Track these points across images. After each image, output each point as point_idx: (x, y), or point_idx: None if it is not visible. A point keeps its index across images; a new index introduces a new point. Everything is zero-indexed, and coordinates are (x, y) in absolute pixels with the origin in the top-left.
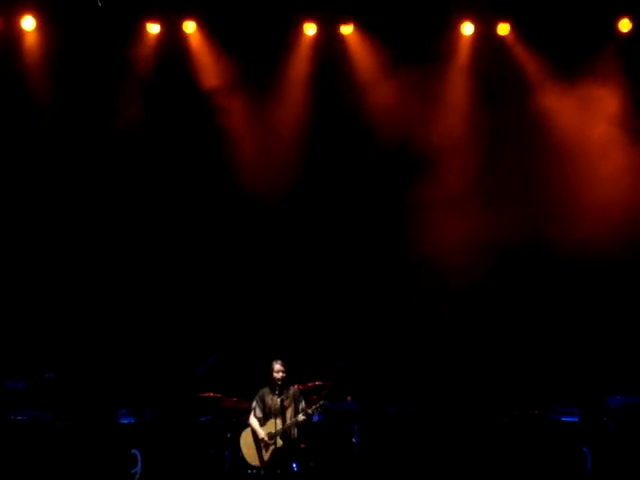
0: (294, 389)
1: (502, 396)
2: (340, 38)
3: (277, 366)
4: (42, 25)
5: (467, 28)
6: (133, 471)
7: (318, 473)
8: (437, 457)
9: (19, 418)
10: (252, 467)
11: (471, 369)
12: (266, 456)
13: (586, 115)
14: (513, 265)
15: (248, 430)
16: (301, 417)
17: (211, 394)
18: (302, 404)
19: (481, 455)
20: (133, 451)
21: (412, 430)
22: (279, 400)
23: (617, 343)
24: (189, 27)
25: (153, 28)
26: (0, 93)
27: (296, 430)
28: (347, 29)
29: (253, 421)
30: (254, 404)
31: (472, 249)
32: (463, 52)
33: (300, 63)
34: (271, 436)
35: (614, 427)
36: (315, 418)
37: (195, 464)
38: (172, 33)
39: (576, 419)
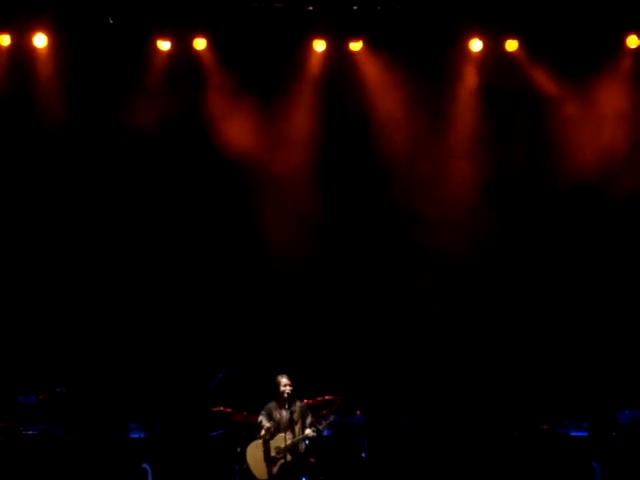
0: (301, 403)
1: (511, 411)
2: (349, 54)
3: (284, 380)
4: (54, 42)
5: (475, 44)
6: None
7: None
8: (446, 471)
9: (30, 433)
10: None
11: (481, 383)
12: (274, 470)
13: (594, 129)
14: (522, 277)
15: (255, 444)
16: (310, 432)
17: (221, 408)
18: (309, 418)
19: (490, 470)
20: (144, 466)
21: (421, 444)
22: (287, 414)
23: (626, 357)
24: (199, 44)
25: (164, 45)
26: (12, 110)
27: (304, 444)
28: (356, 45)
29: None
30: (261, 418)
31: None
32: (471, 68)
33: (309, 79)
34: (280, 450)
35: (623, 442)
36: (324, 433)
37: (205, 478)
38: (183, 50)
39: (585, 434)
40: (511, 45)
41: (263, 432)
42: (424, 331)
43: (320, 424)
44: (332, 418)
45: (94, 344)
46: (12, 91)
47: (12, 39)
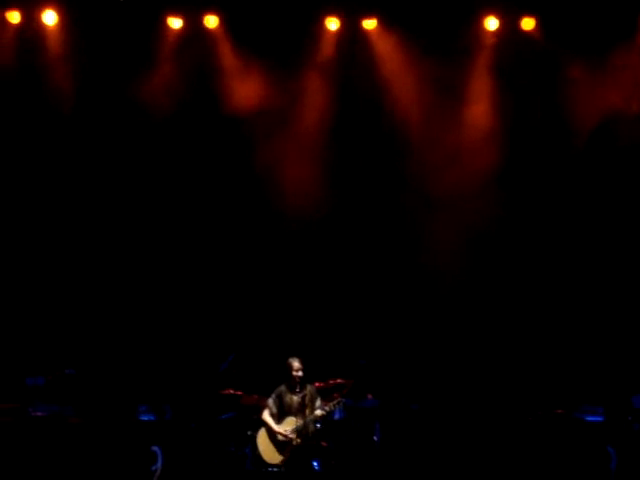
0: (311, 387)
1: (526, 395)
2: (363, 33)
3: (295, 364)
4: (63, 20)
5: (491, 22)
6: (153, 468)
7: (339, 471)
8: (459, 456)
9: (39, 414)
10: (272, 465)
11: (495, 367)
12: (285, 454)
13: (610, 109)
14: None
15: (264, 429)
16: (319, 412)
17: (231, 391)
18: (318, 401)
19: (504, 454)
20: (153, 448)
21: (434, 428)
22: (299, 398)
23: None
24: (210, 21)
25: (175, 22)
26: (21, 88)
27: (313, 426)
28: (370, 23)
29: (268, 418)
30: (270, 401)
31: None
32: (486, 47)
33: (322, 58)
34: (290, 433)
35: (639, 427)
36: (336, 416)
37: (215, 461)
38: (194, 27)
39: (600, 419)
40: (528, 23)
41: (265, 414)
42: (438, 314)
43: (327, 405)
44: (341, 399)
45: (104, 325)
46: (21, 69)
47: (22, 16)
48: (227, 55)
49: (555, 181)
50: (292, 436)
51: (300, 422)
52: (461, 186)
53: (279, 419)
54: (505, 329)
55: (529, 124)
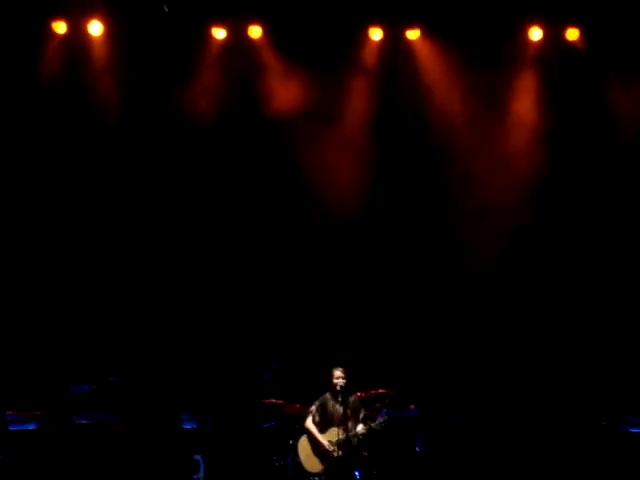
0: (355, 397)
1: (569, 406)
2: (406, 43)
3: (337, 373)
4: (109, 30)
5: (535, 33)
6: (195, 477)
7: None
8: (501, 468)
9: (83, 422)
10: (313, 474)
11: (538, 378)
12: (326, 463)
13: None
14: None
15: (305, 437)
16: (362, 430)
17: (273, 400)
18: (362, 413)
19: (547, 466)
20: (195, 457)
21: (476, 440)
22: (341, 408)
23: None
24: (254, 32)
25: (219, 33)
26: (66, 97)
27: (356, 439)
28: (413, 34)
29: (311, 426)
30: (313, 409)
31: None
32: (530, 58)
33: (366, 68)
34: (333, 444)
35: None
36: (377, 429)
37: (257, 470)
38: (238, 38)
39: None
40: (572, 34)
41: (308, 421)
42: (481, 324)
43: (373, 421)
44: (386, 417)
45: (147, 333)
46: (67, 79)
47: (68, 27)
48: (270, 63)
49: (601, 188)
50: (334, 448)
51: (343, 436)
52: (505, 194)
53: (322, 428)
54: (550, 340)
55: (574, 132)
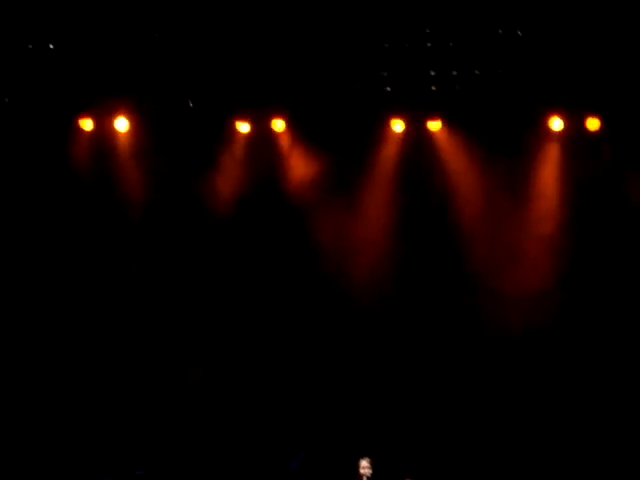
0: None
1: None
2: (428, 134)
3: (364, 463)
4: (135, 126)
5: (555, 123)
6: None
7: None
8: None
9: None
10: None
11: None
12: None
13: None
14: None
15: None
16: None
17: None
18: None
19: None
20: None
21: None
22: None
23: None
24: (278, 125)
25: (243, 127)
26: (92, 194)
27: None
28: (435, 125)
29: None
30: None
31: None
32: (552, 147)
33: (387, 159)
34: None
35: None
36: None
37: None
38: (261, 131)
39: None
40: (592, 123)
41: None
42: (506, 412)
43: None
44: None
45: (172, 425)
46: (95, 175)
47: (95, 123)
48: (293, 157)
49: (620, 284)
50: None
51: None
52: (523, 285)
53: None
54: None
55: (594, 224)
